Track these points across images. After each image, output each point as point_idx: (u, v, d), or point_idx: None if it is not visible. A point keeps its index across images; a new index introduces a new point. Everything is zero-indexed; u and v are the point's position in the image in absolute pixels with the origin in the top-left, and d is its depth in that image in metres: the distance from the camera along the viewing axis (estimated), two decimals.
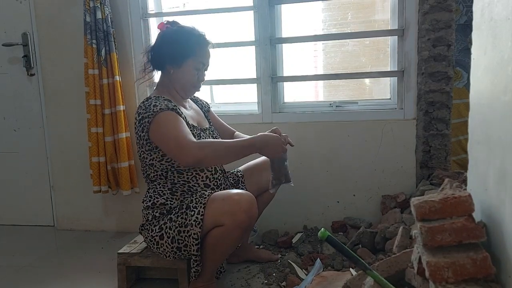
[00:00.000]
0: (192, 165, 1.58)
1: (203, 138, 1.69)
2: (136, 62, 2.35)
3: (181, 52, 1.64)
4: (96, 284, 1.88)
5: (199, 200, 1.56)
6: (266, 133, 1.61)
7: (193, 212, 1.54)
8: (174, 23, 1.71)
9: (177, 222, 1.57)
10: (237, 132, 1.94)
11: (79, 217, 2.53)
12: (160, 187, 1.65)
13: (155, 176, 1.66)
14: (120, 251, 1.78)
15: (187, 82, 1.69)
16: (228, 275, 1.86)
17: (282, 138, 1.62)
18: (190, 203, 1.57)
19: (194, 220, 1.52)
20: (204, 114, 1.88)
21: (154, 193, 1.66)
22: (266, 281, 1.78)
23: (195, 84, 1.72)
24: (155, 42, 1.72)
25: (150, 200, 1.66)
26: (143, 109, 1.58)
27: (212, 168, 1.70)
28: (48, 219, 2.63)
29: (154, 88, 1.77)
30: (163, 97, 1.61)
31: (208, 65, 1.74)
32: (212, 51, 1.74)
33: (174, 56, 1.65)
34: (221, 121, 1.97)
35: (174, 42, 1.65)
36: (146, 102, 1.59)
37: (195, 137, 1.60)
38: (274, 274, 1.82)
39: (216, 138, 1.80)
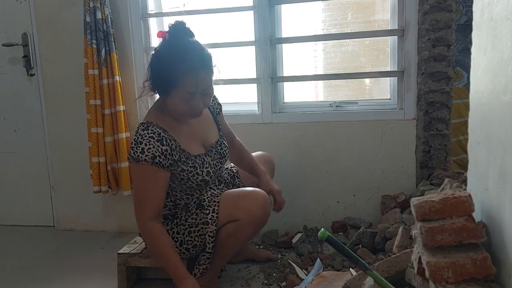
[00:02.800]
0: None
1: (206, 166, 1.59)
2: (136, 62, 2.35)
3: (164, 82, 1.47)
4: (96, 284, 1.88)
5: (211, 198, 1.58)
6: (192, 282, 1.47)
7: (208, 211, 1.55)
8: (173, 32, 1.50)
9: (187, 224, 1.58)
10: (237, 141, 1.87)
11: (79, 217, 2.53)
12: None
13: None
14: (120, 251, 1.78)
15: (178, 112, 1.52)
16: (228, 275, 1.86)
17: None
18: (203, 202, 1.58)
19: (210, 218, 1.53)
20: (215, 117, 1.76)
21: None
22: (266, 281, 1.78)
23: (190, 112, 1.52)
24: (151, 59, 1.54)
25: None
26: (134, 142, 1.48)
27: (216, 181, 1.71)
28: (48, 219, 2.62)
29: (156, 101, 1.64)
30: (159, 133, 1.48)
31: (207, 88, 1.52)
32: (210, 74, 1.53)
33: (158, 85, 1.51)
34: (227, 124, 1.86)
35: (157, 70, 1.49)
36: (141, 134, 1.48)
37: (195, 173, 1.55)
38: (274, 274, 1.82)
39: (224, 153, 1.70)
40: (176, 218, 1.62)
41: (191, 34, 1.53)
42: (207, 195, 1.61)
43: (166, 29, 1.53)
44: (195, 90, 1.47)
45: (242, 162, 1.86)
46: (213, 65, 1.53)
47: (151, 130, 1.49)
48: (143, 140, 1.47)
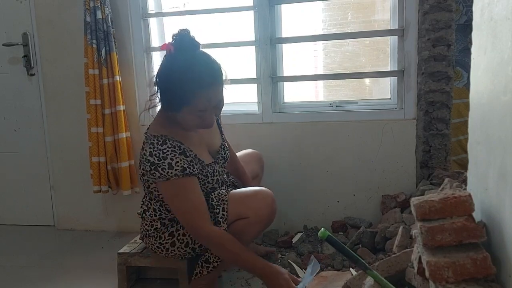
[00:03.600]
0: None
1: (216, 175, 1.60)
2: (136, 62, 2.35)
3: (174, 100, 1.42)
4: (96, 284, 1.88)
5: (219, 197, 1.57)
6: (282, 272, 1.45)
7: (217, 210, 1.54)
8: (178, 46, 1.43)
9: None
10: (233, 154, 1.85)
11: (79, 217, 2.53)
12: (164, 204, 1.59)
13: (157, 198, 1.59)
14: (120, 251, 1.78)
15: (190, 125, 1.50)
16: (228, 275, 1.86)
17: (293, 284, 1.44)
18: (212, 202, 1.57)
19: (221, 217, 1.53)
20: (217, 120, 1.74)
21: (161, 208, 1.60)
22: None
23: (201, 125, 1.50)
24: (158, 73, 1.48)
25: (155, 215, 1.62)
26: (156, 156, 1.42)
27: (220, 182, 1.69)
28: (48, 219, 2.62)
29: (160, 115, 1.57)
30: (179, 147, 1.46)
31: (219, 102, 1.48)
32: (221, 87, 1.47)
33: (168, 102, 1.46)
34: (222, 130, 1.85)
35: (166, 87, 1.44)
36: (161, 149, 1.43)
37: (206, 182, 1.56)
38: None
39: (226, 158, 1.71)
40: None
41: (197, 45, 1.46)
42: (214, 194, 1.60)
43: (169, 37, 1.46)
44: (207, 106, 1.44)
45: (235, 174, 1.88)
46: (223, 77, 1.47)
47: (170, 144, 1.46)
48: (167, 155, 1.43)
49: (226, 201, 1.55)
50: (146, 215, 1.65)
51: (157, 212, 1.61)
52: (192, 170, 1.47)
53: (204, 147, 1.63)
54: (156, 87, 1.49)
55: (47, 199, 2.60)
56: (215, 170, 1.61)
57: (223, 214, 1.54)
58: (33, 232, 2.56)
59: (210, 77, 1.42)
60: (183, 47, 1.43)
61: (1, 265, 2.12)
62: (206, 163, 1.57)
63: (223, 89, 1.49)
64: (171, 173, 1.42)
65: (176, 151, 1.45)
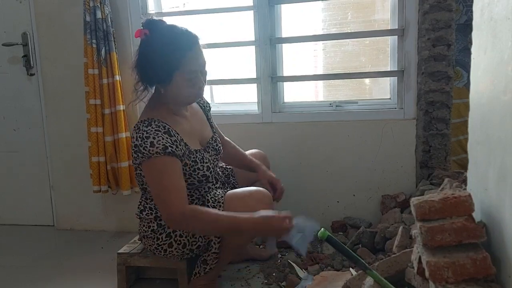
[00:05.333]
0: (173, 229, 1.56)
1: (206, 162, 1.59)
2: None
3: (165, 67, 1.45)
4: (96, 284, 1.88)
5: (215, 198, 1.57)
6: (269, 215, 1.42)
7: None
8: (151, 27, 1.48)
9: None
10: (226, 140, 1.87)
11: (79, 216, 2.53)
12: None
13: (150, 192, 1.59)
14: (120, 251, 1.78)
15: (184, 94, 1.51)
16: (228, 275, 1.86)
17: (286, 220, 1.41)
18: (208, 203, 1.56)
19: None
20: (206, 114, 1.79)
21: (156, 206, 1.59)
22: (266, 281, 1.78)
23: (195, 93, 1.53)
24: (137, 59, 1.52)
25: (151, 214, 1.62)
26: (140, 138, 1.44)
27: (213, 179, 1.68)
28: (48, 219, 2.62)
29: (150, 101, 1.60)
30: (164, 126, 1.47)
31: (204, 65, 1.52)
32: (203, 49, 1.52)
33: (158, 76, 1.48)
34: (215, 124, 1.84)
35: (153, 62, 1.46)
36: (145, 130, 1.45)
37: (195, 168, 1.54)
38: (274, 274, 1.82)
39: (219, 149, 1.71)
40: None
41: (164, 21, 1.52)
42: (210, 195, 1.59)
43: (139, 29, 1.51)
44: (197, 67, 1.48)
45: (235, 160, 1.86)
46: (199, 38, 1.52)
47: (155, 124, 1.47)
48: (150, 134, 1.44)
49: (223, 202, 1.54)
50: (143, 215, 1.65)
51: (153, 211, 1.61)
52: (175, 149, 1.45)
53: (195, 135, 1.63)
54: (140, 71, 1.52)
55: (47, 199, 2.60)
56: (204, 157, 1.59)
57: None
58: (33, 232, 2.56)
59: (191, 37, 1.48)
60: (156, 25, 1.49)
61: (1, 265, 2.11)
62: (194, 149, 1.57)
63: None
64: (152, 150, 1.42)
65: (160, 130, 1.46)
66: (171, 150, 1.44)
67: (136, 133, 1.47)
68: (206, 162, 1.60)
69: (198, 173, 1.57)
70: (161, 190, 1.43)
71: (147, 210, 1.63)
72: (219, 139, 1.77)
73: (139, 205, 1.69)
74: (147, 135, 1.44)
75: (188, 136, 1.58)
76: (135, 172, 1.59)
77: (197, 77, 1.49)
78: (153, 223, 1.61)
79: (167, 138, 1.45)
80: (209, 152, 1.66)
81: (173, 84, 1.48)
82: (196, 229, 1.50)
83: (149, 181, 1.47)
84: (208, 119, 1.79)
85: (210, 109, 1.85)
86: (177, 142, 1.48)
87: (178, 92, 1.50)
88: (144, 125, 1.47)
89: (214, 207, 1.54)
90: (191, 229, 1.51)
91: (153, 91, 1.58)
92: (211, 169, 1.63)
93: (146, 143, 1.43)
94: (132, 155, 1.51)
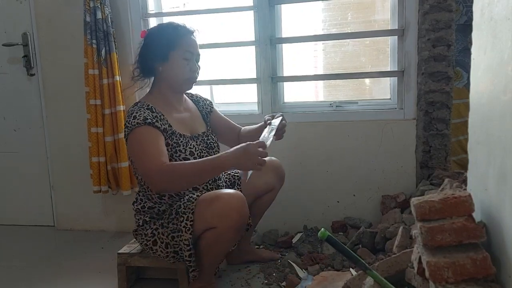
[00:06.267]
0: (160, 192, 1.57)
1: (190, 147, 1.63)
2: None
3: (163, 46, 1.61)
4: (96, 284, 1.88)
5: (187, 205, 1.52)
6: (239, 146, 1.44)
7: (182, 218, 1.50)
8: (153, 27, 1.75)
9: (169, 228, 1.56)
10: (243, 128, 1.87)
11: (79, 217, 2.53)
12: (149, 191, 1.64)
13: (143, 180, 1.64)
14: (120, 251, 1.78)
15: (180, 74, 1.63)
16: (228, 275, 1.86)
17: (259, 146, 1.43)
18: (179, 209, 1.54)
19: (184, 226, 1.49)
20: (204, 116, 1.83)
21: (144, 197, 1.67)
22: (266, 281, 1.78)
23: (189, 75, 1.64)
24: (140, 49, 1.70)
25: (140, 204, 1.67)
26: (127, 116, 1.58)
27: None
28: (48, 219, 2.62)
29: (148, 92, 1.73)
30: (148, 105, 1.59)
31: (198, 55, 1.68)
32: (197, 39, 1.68)
33: (158, 53, 1.62)
34: (227, 119, 1.89)
35: (154, 40, 1.65)
36: (130, 109, 1.59)
37: (177, 150, 1.59)
38: (274, 274, 1.82)
39: (211, 144, 1.73)
40: (161, 219, 1.61)
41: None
42: (183, 200, 1.56)
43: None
44: (193, 49, 1.65)
45: (253, 131, 1.79)
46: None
47: (140, 104, 1.61)
48: (133, 111, 1.56)
49: (193, 209, 1.50)
50: (134, 206, 1.69)
51: (142, 202, 1.66)
52: (155, 122, 1.54)
53: (185, 125, 1.70)
54: (139, 54, 1.70)
55: (47, 199, 2.60)
56: (189, 143, 1.64)
57: (186, 224, 1.48)
58: (33, 232, 2.56)
59: (187, 28, 1.66)
60: (158, 24, 1.80)
61: (1, 265, 2.12)
62: (179, 132, 1.63)
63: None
64: (133, 122, 1.52)
65: (144, 107, 1.58)
66: (151, 121, 1.53)
67: (127, 113, 1.60)
68: (190, 148, 1.64)
69: (180, 155, 1.60)
70: (141, 156, 1.50)
71: (138, 201, 1.68)
72: (213, 137, 1.77)
73: (134, 202, 1.73)
74: (131, 112, 1.57)
75: (177, 123, 1.66)
76: (129, 159, 1.70)
77: (192, 61, 1.64)
78: (141, 218, 1.66)
79: (148, 112, 1.56)
80: (196, 141, 1.68)
81: (170, 62, 1.62)
82: (180, 182, 1.47)
83: (131, 151, 1.56)
84: (205, 119, 1.82)
85: (211, 109, 1.87)
86: (157, 117, 1.57)
87: (174, 70, 1.62)
88: (132, 106, 1.62)
89: (183, 213, 1.51)
90: (175, 185, 1.49)
91: (150, 82, 1.73)
92: (196, 156, 1.64)
93: (130, 117, 1.55)
94: (124, 137, 1.60)
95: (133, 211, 1.71)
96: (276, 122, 1.67)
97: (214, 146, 1.75)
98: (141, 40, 1.71)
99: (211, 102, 1.91)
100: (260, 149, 1.42)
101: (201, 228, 1.50)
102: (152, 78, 1.73)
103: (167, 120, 1.61)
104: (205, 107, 1.85)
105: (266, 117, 1.73)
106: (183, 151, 1.61)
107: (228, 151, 1.45)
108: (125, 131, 1.57)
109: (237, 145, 1.55)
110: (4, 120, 2.58)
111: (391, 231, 1.80)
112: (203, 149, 1.69)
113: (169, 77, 1.64)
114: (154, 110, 1.58)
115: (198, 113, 1.82)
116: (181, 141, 1.62)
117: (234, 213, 1.45)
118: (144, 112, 1.54)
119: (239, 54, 2.41)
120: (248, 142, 1.44)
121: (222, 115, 1.91)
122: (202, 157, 1.63)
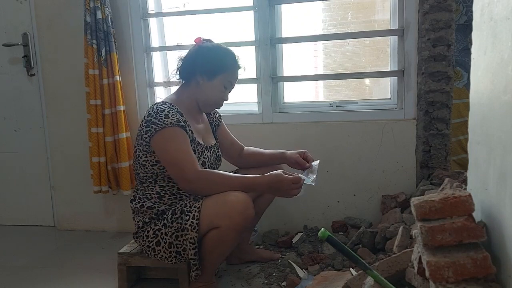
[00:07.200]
0: (188, 192, 1.61)
1: (204, 157, 1.67)
2: (136, 62, 2.36)
3: (216, 66, 1.66)
4: (96, 284, 1.88)
5: (193, 204, 1.55)
6: (278, 173, 1.54)
7: (188, 217, 1.52)
8: (210, 40, 1.76)
9: (173, 228, 1.56)
10: (247, 148, 1.92)
11: (79, 217, 2.53)
12: (148, 190, 1.65)
13: (145, 178, 1.65)
14: (121, 251, 1.78)
15: (213, 97, 1.69)
16: (228, 275, 1.86)
17: (294, 182, 1.52)
18: (184, 207, 1.56)
19: (190, 225, 1.51)
20: (213, 129, 1.87)
21: (143, 196, 1.66)
22: (266, 281, 1.78)
23: (219, 102, 1.73)
24: (189, 52, 1.71)
25: (138, 202, 1.66)
26: (154, 112, 1.56)
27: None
28: (48, 219, 2.63)
29: (172, 93, 1.76)
30: (177, 108, 1.60)
31: (233, 88, 1.75)
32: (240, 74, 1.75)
33: (208, 68, 1.65)
34: (231, 135, 1.93)
35: (211, 55, 1.67)
36: (160, 107, 1.58)
37: (197, 157, 1.62)
38: (274, 274, 1.82)
39: (220, 157, 1.81)
40: (163, 219, 1.61)
41: None
42: (189, 199, 1.59)
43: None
44: (234, 82, 1.73)
45: (263, 158, 1.89)
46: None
47: (169, 105, 1.60)
48: (164, 110, 1.56)
49: (199, 207, 1.53)
50: (132, 204, 1.68)
51: (141, 200, 1.65)
52: (185, 126, 1.59)
53: (201, 135, 1.74)
54: (181, 63, 1.72)
55: (48, 199, 2.60)
56: (204, 153, 1.68)
57: (192, 222, 1.51)
58: (33, 232, 2.56)
59: (239, 61, 1.74)
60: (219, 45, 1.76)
61: (1, 265, 2.12)
62: (197, 141, 1.67)
63: None
64: (167, 121, 1.54)
65: (174, 109, 1.59)
66: (183, 124, 1.58)
67: (151, 110, 1.59)
68: (204, 158, 1.67)
69: None
70: (175, 156, 1.53)
71: (136, 200, 1.67)
72: (219, 151, 1.83)
73: (132, 200, 1.71)
74: (162, 110, 1.57)
75: (196, 132, 1.69)
76: (134, 155, 1.66)
77: (227, 90, 1.72)
78: (140, 220, 1.65)
79: (179, 116, 1.59)
80: (210, 152, 1.73)
81: (213, 82, 1.66)
82: (210, 191, 1.55)
83: (163, 149, 1.56)
84: (214, 132, 1.87)
85: (219, 123, 1.91)
86: (186, 122, 1.61)
87: (212, 91, 1.68)
88: (160, 104, 1.61)
89: (189, 212, 1.54)
90: (205, 191, 1.56)
91: (182, 84, 1.74)
92: (207, 167, 1.68)
93: (160, 115, 1.55)
94: (142, 132, 1.59)
95: (131, 210, 1.70)
96: (315, 164, 1.79)
97: (220, 159, 1.83)
98: (194, 44, 1.73)
99: (220, 115, 1.93)
100: (294, 185, 1.52)
101: (205, 227, 1.52)
102: (183, 82, 1.74)
103: (190, 127, 1.64)
104: (215, 120, 1.90)
105: (298, 154, 1.82)
106: (199, 158, 1.64)
107: (264, 175, 1.55)
108: (151, 126, 1.55)
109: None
110: (4, 120, 2.58)
111: (391, 231, 1.80)
112: (214, 161, 1.76)
113: (203, 93, 1.68)
114: (182, 115, 1.61)
115: (209, 126, 1.86)
116: (198, 150, 1.65)
117: (238, 215, 1.49)
118: (176, 114, 1.57)
119: (239, 54, 2.41)
120: (284, 174, 1.53)
121: (228, 130, 1.94)
122: (212, 168, 1.73)
